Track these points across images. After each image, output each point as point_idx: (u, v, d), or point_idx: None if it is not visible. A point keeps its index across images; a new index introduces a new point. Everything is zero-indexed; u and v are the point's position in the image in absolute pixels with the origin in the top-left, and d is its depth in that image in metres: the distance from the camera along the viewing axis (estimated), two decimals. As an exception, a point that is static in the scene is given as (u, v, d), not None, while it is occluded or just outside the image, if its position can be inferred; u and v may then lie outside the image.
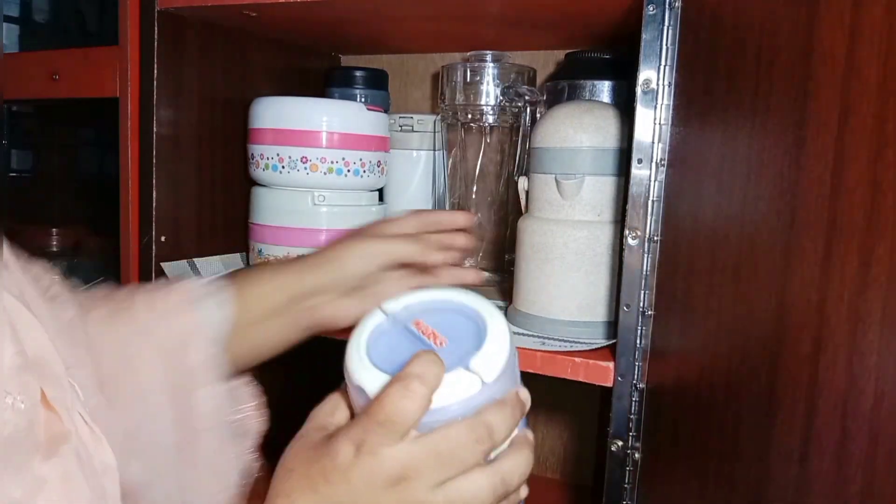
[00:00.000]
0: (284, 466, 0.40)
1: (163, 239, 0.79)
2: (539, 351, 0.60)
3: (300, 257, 0.61)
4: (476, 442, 0.39)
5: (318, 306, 0.58)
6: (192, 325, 0.53)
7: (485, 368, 0.41)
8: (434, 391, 0.38)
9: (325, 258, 0.59)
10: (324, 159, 0.79)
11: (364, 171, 0.81)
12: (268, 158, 0.80)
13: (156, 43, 0.76)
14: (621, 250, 0.57)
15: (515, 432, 0.44)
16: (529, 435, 0.46)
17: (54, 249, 1.18)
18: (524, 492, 0.46)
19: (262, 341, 0.58)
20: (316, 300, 0.58)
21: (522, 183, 0.70)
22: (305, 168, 0.79)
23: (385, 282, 0.60)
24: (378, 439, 0.38)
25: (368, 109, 0.81)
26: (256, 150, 0.81)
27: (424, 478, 0.38)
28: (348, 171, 0.80)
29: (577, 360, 0.59)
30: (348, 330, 0.45)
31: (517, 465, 0.43)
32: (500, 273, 0.86)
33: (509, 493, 0.43)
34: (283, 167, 0.79)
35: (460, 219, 0.63)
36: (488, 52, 0.83)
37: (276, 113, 0.80)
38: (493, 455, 0.41)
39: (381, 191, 0.90)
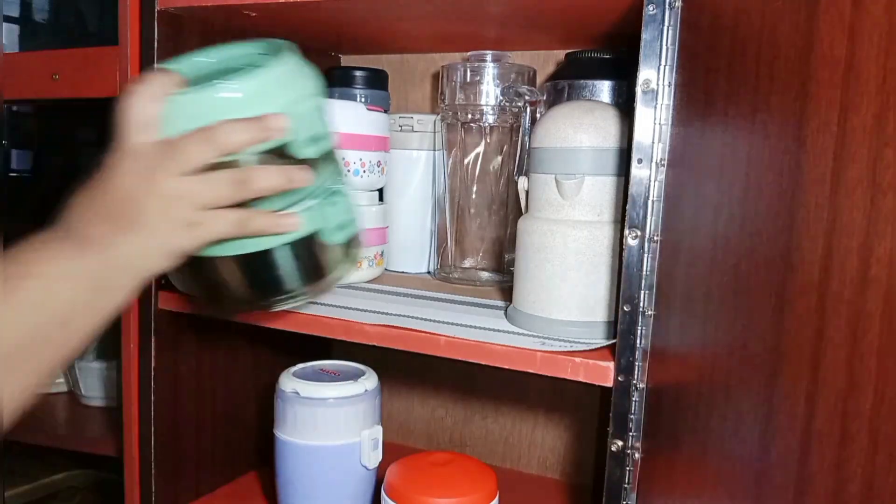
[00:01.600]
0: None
1: (163, 239, 0.79)
2: (539, 351, 0.60)
3: None
4: (203, 142, 0.48)
5: None
6: None
7: (227, 86, 0.49)
8: (163, 93, 0.50)
9: None
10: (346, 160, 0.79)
11: (364, 171, 0.81)
12: (268, 158, 0.80)
13: (156, 43, 0.76)
14: (621, 250, 0.57)
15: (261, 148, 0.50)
16: (304, 173, 0.53)
17: (54, 249, 1.18)
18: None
19: None
20: None
21: (522, 183, 0.70)
22: None
23: None
24: (128, 140, 0.51)
25: (368, 109, 0.81)
26: (256, 150, 0.81)
27: (168, 169, 0.48)
28: (348, 170, 0.80)
29: (577, 360, 0.59)
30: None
31: (261, 173, 0.51)
32: (500, 273, 0.86)
33: (248, 188, 0.50)
34: (283, 167, 0.79)
35: None
36: (488, 52, 0.83)
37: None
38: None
39: (381, 191, 0.90)
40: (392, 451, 0.85)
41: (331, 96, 0.96)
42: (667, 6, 0.53)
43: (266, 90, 0.51)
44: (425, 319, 0.68)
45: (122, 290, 0.50)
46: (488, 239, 0.87)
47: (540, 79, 0.91)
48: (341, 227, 0.57)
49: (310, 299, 0.60)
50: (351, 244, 0.60)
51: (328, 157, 0.57)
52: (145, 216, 0.48)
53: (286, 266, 0.56)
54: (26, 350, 0.45)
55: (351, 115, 0.80)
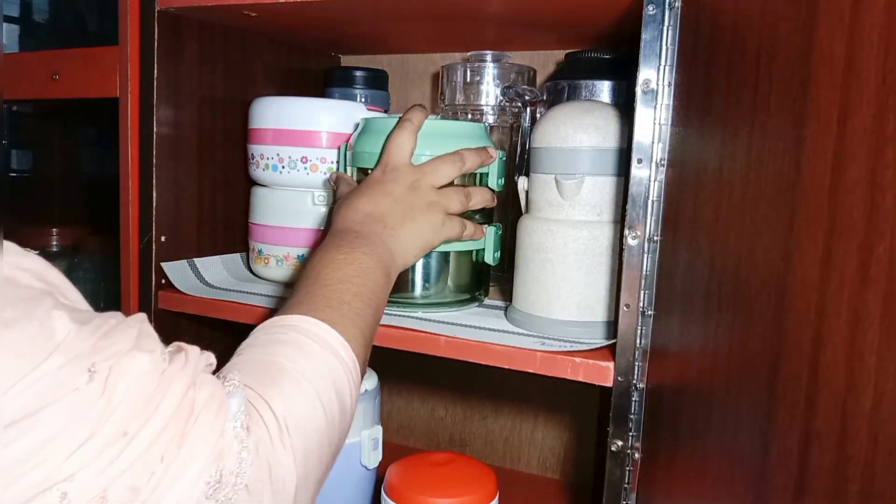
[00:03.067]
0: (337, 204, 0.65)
1: (163, 239, 0.79)
2: (539, 351, 0.60)
3: None
4: (452, 163, 0.66)
5: None
6: None
7: (469, 124, 0.73)
8: (461, 172, 0.67)
9: None
10: (324, 159, 0.79)
11: (364, 171, 0.81)
12: (268, 158, 0.80)
13: (156, 43, 0.76)
14: (621, 250, 0.57)
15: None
16: (493, 196, 0.72)
17: (54, 249, 1.18)
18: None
19: None
20: None
21: (522, 183, 0.70)
22: (305, 168, 0.79)
23: None
24: (396, 161, 0.65)
25: (368, 109, 0.81)
26: (256, 150, 0.81)
27: (427, 182, 0.64)
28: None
29: (577, 360, 0.59)
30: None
31: (476, 192, 0.70)
32: (500, 273, 0.86)
33: (470, 202, 0.68)
34: (283, 167, 0.79)
35: None
36: (488, 52, 0.83)
37: (276, 113, 0.80)
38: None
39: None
40: (392, 451, 0.85)
41: (331, 96, 0.96)
42: (667, 6, 0.53)
43: (485, 134, 0.74)
44: (425, 319, 0.68)
45: (394, 276, 0.60)
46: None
47: (540, 79, 0.91)
48: (495, 251, 0.73)
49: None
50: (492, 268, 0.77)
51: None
52: (413, 217, 0.62)
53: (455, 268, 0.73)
54: (367, 305, 0.54)
55: (351, 115, 0.80)
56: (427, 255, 0.70)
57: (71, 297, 0.39)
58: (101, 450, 0.33)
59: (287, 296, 0.57)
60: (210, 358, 0.42)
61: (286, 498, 0.41)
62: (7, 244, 0.36)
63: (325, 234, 0.62)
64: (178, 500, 0.35)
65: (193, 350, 0.40)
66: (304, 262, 0.57)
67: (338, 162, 0.77)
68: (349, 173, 0.73)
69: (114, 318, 0.38)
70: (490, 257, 0.72)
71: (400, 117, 0.67)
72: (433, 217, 0.64)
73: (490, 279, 0.77)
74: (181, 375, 0.37)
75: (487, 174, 0.71)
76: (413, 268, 0.71)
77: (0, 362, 0.31)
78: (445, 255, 0.71)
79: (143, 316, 0.40)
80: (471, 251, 0.72)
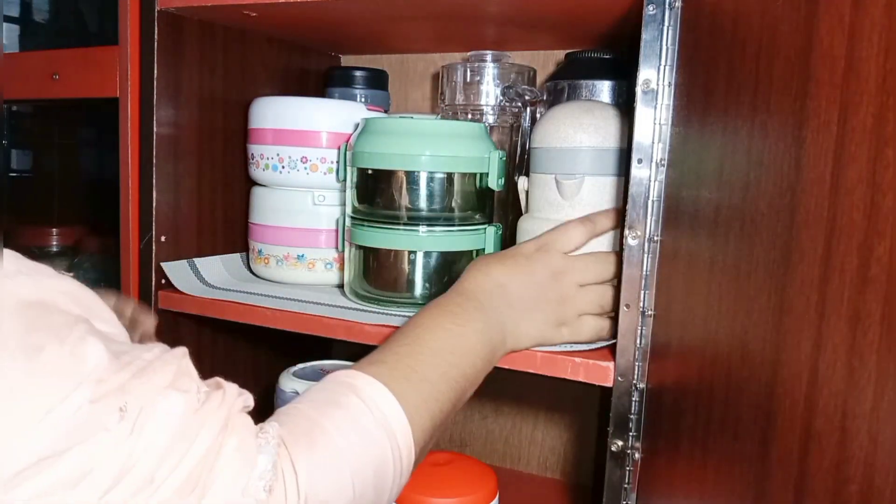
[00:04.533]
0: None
1: (163, 239, 0.79)
2: (539, 351, 0.60)
3: None
4: (606, 262, 0.61)
5: None
6: None
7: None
8: (592, 236, 0.62)
9: None
10: (324, 159, 0.79)
11: (364, 171, 0.81)
12: (268, 158, 0.80)
13: (156, 43, 0.76)
14: (621, 250, 0.57)
15: None
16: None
17: (54, 249, 1.18)
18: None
19: None
20: None
21: (522, 183, 0.70)
22: (305, 168, 0.79)
23: None
24: (554, 245, 0.60)
25: (368, 109, 0.81)
26: (256, 150, 0.81)
27: (572, 277, 0.59)
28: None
29: (577, 360, 0.59)
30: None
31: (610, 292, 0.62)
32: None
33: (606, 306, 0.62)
34: (283, 167, 0.79)
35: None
36: (488, 52, 0.83)
37: (276, 113, 0.80)
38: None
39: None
40: (392, 451, 0.85)
41: (330, 96, 0.96)
42: (667, 6, 0.53)
43: (485, 134, 0.73)
44: (425, 319, 0.68)
45: (499, 358, 0.58)
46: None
47: (540, 79, 0.91)
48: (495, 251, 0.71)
49: None
50: None
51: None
52: (543, 308, 0.59)
53: None
54: (452, 388, 0.51)
55: (351, 115, 0.80)
56: (427, 255, 0.70)
57: (106, 319, 0.38)
58: (130, 493, 0.32)
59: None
60: (248, 399, 0.40)
61: None
62: (40, 266, 0.35)
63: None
64: None
65: (231, 389, 0.39)
66: (420, 309, 0.55)
67: (338, 162, 0.77)
68: (349, 173, 0.73)
69: (150, 351, 0.37)
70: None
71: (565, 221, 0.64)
72: (563, 314, 0.59)
73: None
74: (214, 417, 0.36)
75: (487, 174, 0.71)
76: (414, 267, 0.71)
77: (28, 388, 0.30)
78: (447, 255, 0.71)
79: (183, 351, 0.38)
80: (471, 251, 0.72)
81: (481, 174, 0.71)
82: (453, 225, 0.71)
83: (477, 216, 0.72)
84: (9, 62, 0.91)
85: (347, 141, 0.75)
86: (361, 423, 0.43)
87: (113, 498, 0.31)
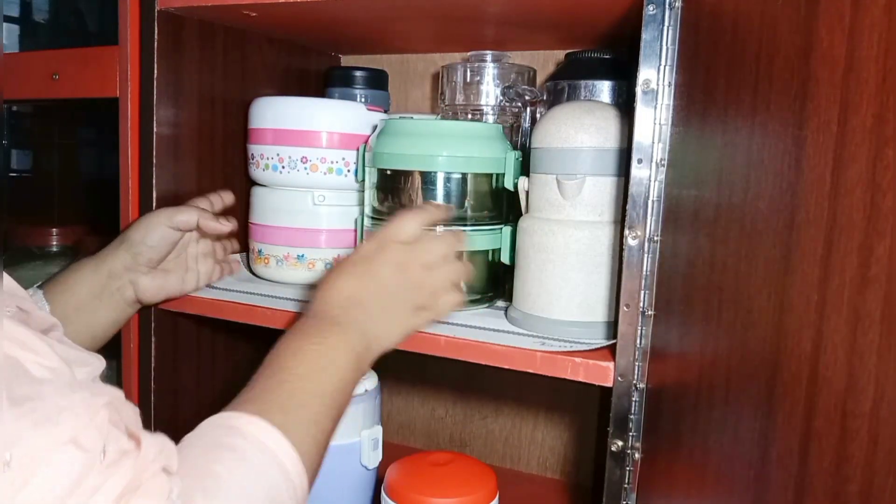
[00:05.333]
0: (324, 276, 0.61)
1: (163, 239, 0.79)
2: (539, 351, 0.60)
3: (112, 243, 0.71)
4: (445, 241, 0.63)
5: (124, 286, 0.69)
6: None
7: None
8: (425, 224, 0.63)
9: (121, 239, 0.70)
10: (324, 159, 0.79)
11: (365, 172, 0.81)
12: (268, 158, 0.80)
13: (156, 43, 0.76)
14: (621, 250, 0.57)
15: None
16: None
17: (54, 249, 1.18)
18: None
19: (92, 324, 0.68)
20: (122, 280, 0.69)
21: (523, 183, 0.70)
22: (306, 168, 0.79)
23: (185, 255, 0.75)
24: (391, 239, 0.61)
25: (369, 109, 0.81)
26: (256, 150, 0.81)
27: (417, 263, 0.60)
28: (348, 171, 0.80)
29: (577, 360, 0.59)
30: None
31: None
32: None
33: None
34: (283, 167, 0.79)
35: (227, 197, 0.79)
36: (488, 52, 0.83)
37: (276, 113, 0.80)
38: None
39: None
40: (392, 451, 0.85)
41: (330, 96, 0.96)
42: (667, 6, 0.53)
43: (501, 135, 0.75)
44: (425, 319, 0.68)
45: (369, 364, 0.58)
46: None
47: (540, 79, 0.91)
48: (511, 250, 0.73)
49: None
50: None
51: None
52: (396, 302, 0.59)
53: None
54: (328, 406, 0.52)
55: (351, 116, 0.80)
56: None
57: (47, 361, 0.36)
58: None
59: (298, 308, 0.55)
60: (170, 459, 0.39)
61: None
62: None
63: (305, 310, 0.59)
64: None
65: (150, 448, 0.37)
66: (276, 343, 0.55)
67: (357, 163, 0.78)
68: (368, 174, 0.74)
69: (68, 398, 0.34)
70: (507, 257, 0.73)
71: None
72: (419, 300, 0.60)
73: (505, 282, 0.76)
74: (114, 480, 0.34)
75: (504, 174, 0.72)
76: None
77: None
78: (466, 255, 0.72)
79: (115, 396, 0.37)
80: (487, 250, 0.73)
81: (498, 174, 0.72)
82: (471, 224, 0.71)
83: (494, 216, 0.73)
84: (9, 62, 0.91)
85: (366, 142, 0.75)
86: (250, 461, 0.44)
87: None
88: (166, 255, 0.72)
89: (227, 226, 0.72)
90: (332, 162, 0.79)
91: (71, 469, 0.32)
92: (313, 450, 0.49)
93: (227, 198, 0.80)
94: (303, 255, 0.81)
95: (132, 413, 0.38)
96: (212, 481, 0.41)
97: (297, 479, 0.46)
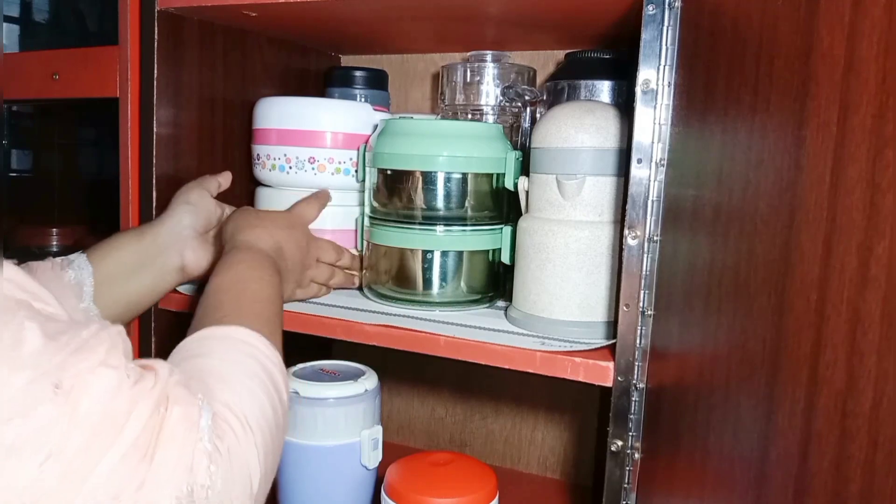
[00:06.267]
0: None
1: (163, 239, 0.79)
2: (539, 351, 0.60)
3: (156, 218, 0.75)
4: (338, 252, 0.76)
5: (170, 255, 0.72)
6: (59, 286, 0.64)
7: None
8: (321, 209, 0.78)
9: (162, 218, 0.73)
10: (332, 160, 0.79)
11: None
12: (275, 159, 0.80)
13: (156, 43, 0.76)
14: (621, 250, 0.57)
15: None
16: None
17: (54, 249, 1.18)
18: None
19: (130, 290, 0.71)
20: (169, 250, 0.72)
21: (523, 183, 0.70)
22: (313, 168, 0.78)
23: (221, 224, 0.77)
24: (304, 220, 0.76)
25: (375, 110, 0.81)
26: (262, 150, 0.81)
27: (315, 253, 0.74)
28: (356, 171, 0.80)
29: (577, 360, 0.59)
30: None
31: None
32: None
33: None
34: (290, 168, 0.79)
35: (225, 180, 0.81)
36: (488, 52, 0.83)
37: (282, 113, 0.80)
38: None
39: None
40: (392, 451, 0.85)
41: (331, 96, 0.96)
42: (667, 6, 0.53)
43: (501, 135, 0.77)
44: (425, 319, 0.68)
45: (278, 272, 0.64)
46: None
47: (540, 79, 0.91)
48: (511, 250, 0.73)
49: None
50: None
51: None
52: (296, 271, 0.70)
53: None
54: (273, 315, 0.58)
55: (360, 116, 0.80)
56: (445, 255, 0.72)
57: (49, 302, 0.39)
58: (63, 469, 0.33)
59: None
60: (183, 375, 0.43)
61: (250, 496, 0.43)
62: None
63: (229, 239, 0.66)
64: None
65: (163, 368, 0.41)
66: (217, 269, 0.60)
67: (357, 163, 0.78)
68: (369, 174, 0.75)
69: (87, 329, 0.38)
70: (507, 257, 0.73)
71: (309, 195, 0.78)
72: (302, 279, 0.72)
73: (505, 282, 0.77)
74: (148, 396, 0.38)
75: (504, 174, 0.72)
76: (433, 266, 0.72)
77: None
78: (465, 254, 0.72)
79: (119, 329, 0.40)
80: (487, 250, 0.73)
81: (498, 174, 0.72)
82: (471, 224, 0.72)
83: (494, 216, 0.73)
84: (9, 62, 0.91)
85: (366, 142, 0.75)
86: (234, 349, 0.50)
87: (50, 467, 0.33)
88: (209, 226, 0.76)
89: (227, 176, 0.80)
90: (339, 162, 0.79)
91: (109, 386, 0.36)
92: (280, 348, 0.54)
93: (224, 181, 0.81)
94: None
95: (131, 348, 0.42)
96: (225, 375, 0.46)
97: (276, 358, 0.52)
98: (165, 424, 0.38)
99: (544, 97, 0.81)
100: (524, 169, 0.72)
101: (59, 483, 0.33)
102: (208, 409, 0.42)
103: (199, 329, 0.52)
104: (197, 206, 0.74)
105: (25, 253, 1.13)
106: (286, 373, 0.52)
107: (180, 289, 0.78)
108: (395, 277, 0.74)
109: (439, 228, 0.71)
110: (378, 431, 0.80)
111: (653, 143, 0.55)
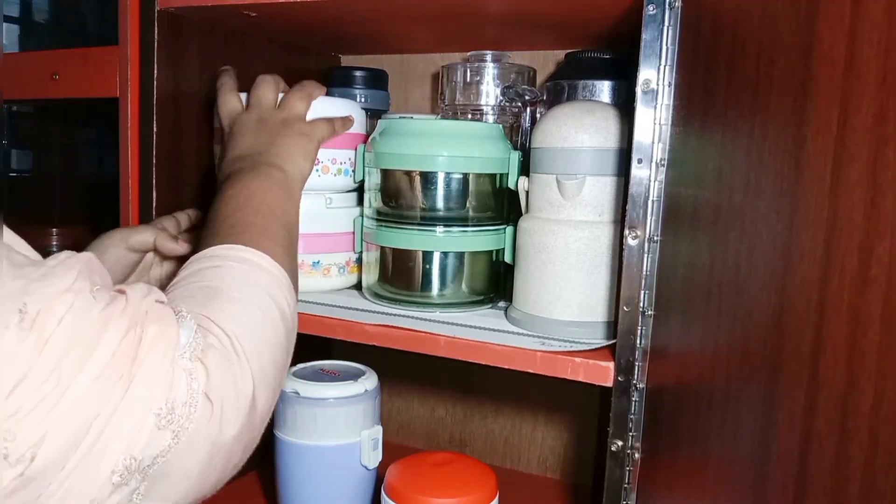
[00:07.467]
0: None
1: (163, 239, 0.79)
2: (539, 351, 0.60)
3: None
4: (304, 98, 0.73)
5: None
6: None
7: None
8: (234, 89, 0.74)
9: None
10: (334, 160, 0.78)
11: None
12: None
13: (156, 43, 0.76)
14: (621, 250, 0.57)
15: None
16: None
17: (54, 249, 1.18)
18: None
19: None
20: None
21: (523, 183, 0.70)
22: (317, 170, 0.77)
23: (148, 278, 0.74)
24: (231, 119, 0.71)
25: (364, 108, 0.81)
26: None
27: (267, 110, 0.71)
28: (353, 171, 0.79)
29: (577, 360, 0.59)
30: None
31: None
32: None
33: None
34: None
35: (194, 215, 0.78)
36: (488, 52, 0.83)
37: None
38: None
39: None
40: (392, 451, 0.85)
41: (330, 96, 0.96)
42: (667, 6, 0.53)
43: (502, 135, 0.77)
44: (425, 319, 0.68)
45: (294, 188, 0.66)
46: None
47: (540, 79, 0.91)
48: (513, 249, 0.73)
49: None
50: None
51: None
52: (275, 133, 0.68)
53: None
54: (274, 221, 0.58)
55: (361, 117, 0.79)
56: (446, 255, 0.71)
57: (22, 246, 0.40)
58: (34, 391, 0.33)
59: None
60: (158, 295, 0.43)
61: (245, 402, 0.44)
62: None
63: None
64: (130, 431, 0.37)
65: (136, 291, 0.41)
66: (245, 183, 0.62)
67: (356, 163, 0.77)
68: (369, 175, 0.75)
69: (55, 259, 0.38)
70: (510, 257, 0.73)
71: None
72: (294, 126, 0.69)
73: (506, 282, 0.76)
74: (120, 317, 0.38)
75: (507, 174, 0.72)
76: (433, 267, 0.72)
77: None
78: (468, 254, 0.72)
79: (89, 256, 0.40)
80: (490, 251, 0.73)
81: (500, 174, 0.72)
82: (474, 225, 0.72)
83: (496, 216, 0.73)
84: (9, 62, 0.91)
85: (365, 142, 0.75)
86: (233, 269, 0.50)
87: (20, 393, 0.33)
88: (124, 279, 0.70)
89: (185, 247, 0.70)
90: (341, 163, 0.78)
91: (76, 309, 0.36)
92: (278, 250, 0.55)
93: (193, 216, 0.78)
94: (318, 262, 0.79)
95: (106, 274, 0.41)
96: (214, 292, 0.47)
97: (276, 272, 0.53)
98: (142, 344, 0.38)
99: (544, 97, 0.81)
100: (524, 169, 0.72)
101: (32, 408, 0.33)
102: (189, 326, 0.42)
103: (208, 245, 0.53)
104: (102, 257, 0.69)
105: (25, 253, 1.13)
106: (280, 270, 0.53)
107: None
108: (396, 279, 0.73)
109: (440, 229, 0.71)
110: (378, 431, 0.80)
111: (653, 143, 0.55)
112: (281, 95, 0.72)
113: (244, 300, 0.48)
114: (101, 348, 0.36)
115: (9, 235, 0.39)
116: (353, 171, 0.79)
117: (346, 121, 0.75)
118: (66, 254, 0.39)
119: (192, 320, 0.43)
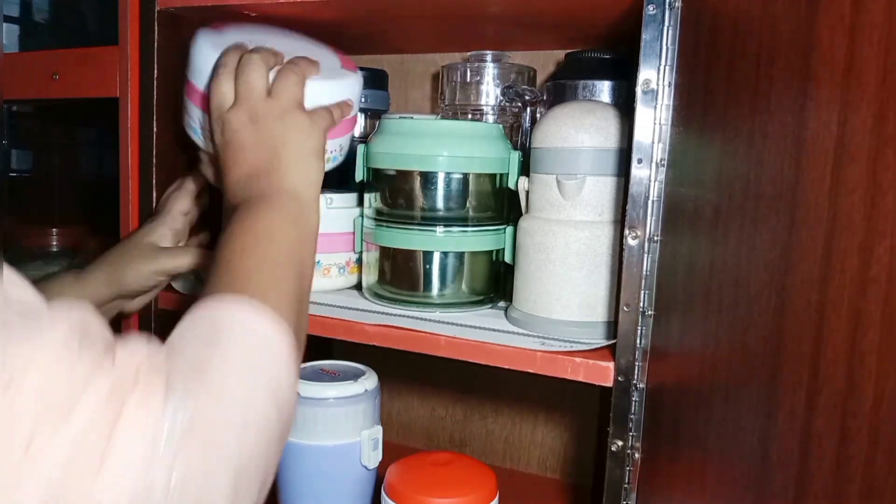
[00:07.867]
0: None
1: (163, 239, 0.79)
2: (539, 351, 0.60)
3: (92, 268, 0.72)
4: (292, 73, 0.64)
5: (108, 311, 0.72)
6: None
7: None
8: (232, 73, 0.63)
9: (113, 276, 0.71)
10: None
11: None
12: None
13: (156, 43, 0.76)
14: (621, 250, 0.57)
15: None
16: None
17: (54, 249, 1.18)
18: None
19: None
20: (106, 307, 0.72)
21: (523, 183, 0.70)
22: None
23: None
24: (219, 113, 0.62)
25: (343, 67, 0.78)
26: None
27: (252, 101, 0.61)
28: (342, 156, 0.79)
29: (577, 360, 0.59)
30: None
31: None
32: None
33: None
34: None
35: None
36: (488, 52, 0.83)
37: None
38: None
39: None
40: (392, 451, 0.85)
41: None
42: (667, 6, 0.53)
43: (502, 135, 0.76)
44: (425, 319, 0.68)
45: (309, 214, 0.59)
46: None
47: (540, 79, 0.91)
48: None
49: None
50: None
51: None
52: (278, 142, 0.59)
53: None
54: (283, 269, 0.53)
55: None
56: (447, 255, 0.71)
57: (18, 284, 0.36)
58: (2, 462, 0.31)
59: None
60: (154, 357, 0.39)
61: (225, 493, 0.38)
62: None
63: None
64: None
65: (127, 349, 0.38)
66: (218, 245, 0.55)
67: (356, 162, 0.77)
68: (366, 173, 0.74)
69: (45, 313, 0.35)
70: (510, 257, 0.73)
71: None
72: (293, 122, 0.60)
73: (506, 282, 0.76)
74: (102, 378, 0.35)
75: (507, 174, 0.72)
76: (433, 268, 0.72)
77: None
78: (467, 255, 0.72)
79: (84, 312, 0.37)
80: (490, 251, 0.73)
81: (501, 174, 0.72)
82: (474, 225, 0.72)
83: (496, 216, 0.73)
84: (9, 62, 0.91)
85: (364, 141, 0.75)
86: (241, 350, 0.44)
87: None
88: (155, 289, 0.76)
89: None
90: (331, 151, 0.77)
91: (55, 372, 0.33)
92: (295, 315, 0.49)
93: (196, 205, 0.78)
94: (318, 262, 0.79)
95: (102, 327, 0.38)
96: (209, 375, 0.41)
97: (282, 349, 0.46)
98: (122, 416, 0.34)
99: (544, 97, 0.81)
100: (524, 169, 0.72)
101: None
102: (174, 406, 0.37)
103: (211, 291, 0.48)
104: (137, 280, 0.72)
105: (25, 253, 1.13)
106: (291, 358, 0.46)
107: (180, 289, 0.78)
108: (396, 279, 0.73)
109: (440, 229, 0.71)
110: (378, 431, 0.80)
111: (653, 143, 0.55)
112: (272, 75, 0.64)
113: (235, 387, 0.42)
114: (75, 416, 0.33)
115: (7, 273, 0.36)
116: (341, 157, 0.77)
117: (345, 106, 0.68)
118: (59, 307, 0.36)
119: (181, 398, 0.38)
